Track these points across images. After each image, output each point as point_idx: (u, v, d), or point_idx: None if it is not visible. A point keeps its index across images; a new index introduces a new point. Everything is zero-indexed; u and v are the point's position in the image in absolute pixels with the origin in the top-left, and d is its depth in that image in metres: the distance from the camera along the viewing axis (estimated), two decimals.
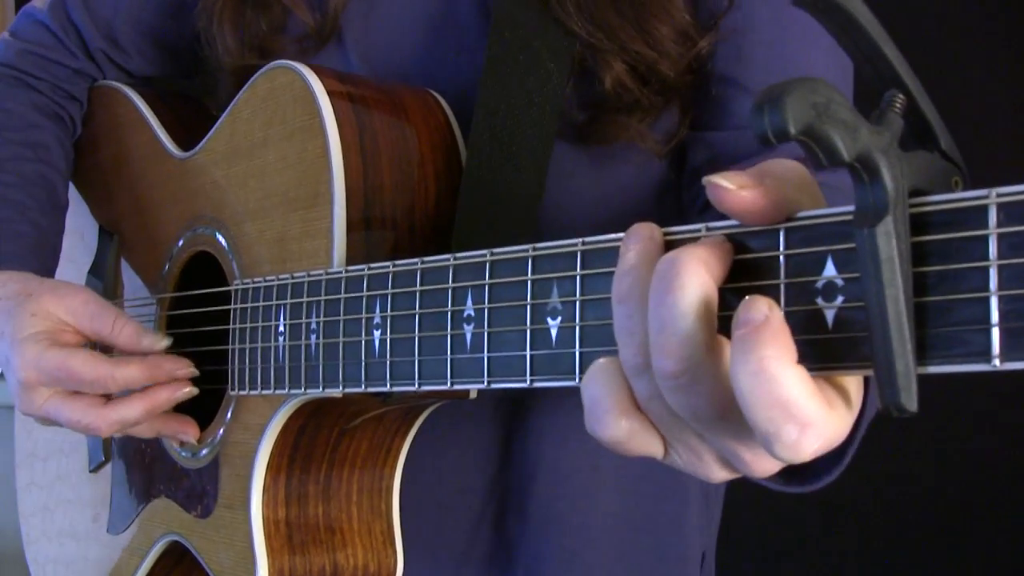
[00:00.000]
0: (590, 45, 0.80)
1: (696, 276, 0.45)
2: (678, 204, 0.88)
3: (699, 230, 0.49)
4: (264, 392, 0.80)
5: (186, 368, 0.86)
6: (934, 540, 1.61)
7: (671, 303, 0.45)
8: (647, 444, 0.50)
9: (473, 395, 0.82)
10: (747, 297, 0.44)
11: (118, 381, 0.83)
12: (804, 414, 0.42)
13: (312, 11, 0.92)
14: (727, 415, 0.46)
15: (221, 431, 0.88)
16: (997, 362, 0.40)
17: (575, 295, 0.55)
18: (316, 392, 0.74)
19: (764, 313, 0.43)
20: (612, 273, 0.50)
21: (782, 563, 1.72)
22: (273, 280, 0.80)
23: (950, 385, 0.47)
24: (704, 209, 0.83)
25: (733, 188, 0.45)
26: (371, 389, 0.69)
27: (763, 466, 0.48)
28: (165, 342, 0.87)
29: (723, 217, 0.48)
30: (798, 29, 0.81)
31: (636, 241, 0.49)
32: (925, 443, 1.51)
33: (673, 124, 0.85)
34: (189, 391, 0.86)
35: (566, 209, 0.85)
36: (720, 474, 0.51)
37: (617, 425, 0.49)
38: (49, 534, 1.16)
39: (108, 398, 0.85)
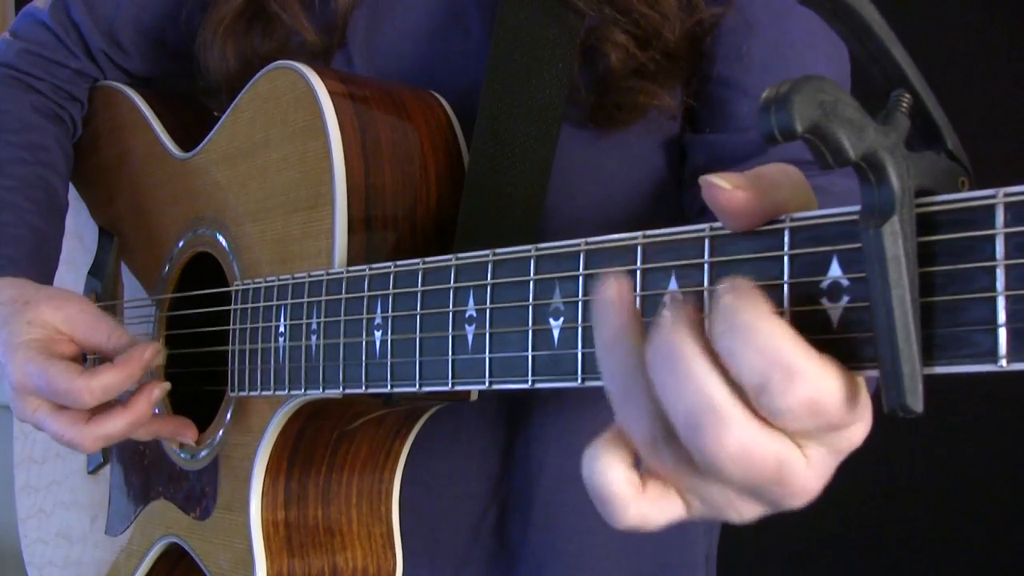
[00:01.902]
0: (593, 28, 0.80)
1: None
2: (678, 205, 0.88)
3: (703, 230, 0.49)
4: (264, 393, 0.80)
5: (153, 348, 0.83)
6: (935, 541, 1.61)
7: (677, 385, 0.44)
8: (666, 514, 0.48)
9: (474, 397, 0.81)
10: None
11: (94, 392, 0.81)
12: (788, 358, 0.41)
13: (315, 26, 0.90)
14: None
15: (220, 433, 0.87)
16: (1004, 363, 0.39)
17: (577, 295, 0.54)
18: (316, 393, 0.74)
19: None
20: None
21: (782, 564, 1.72)
22: (274, 281, 0.79)
23: (952, 385, 0.46)
24: (702, 211, 0.83)
25: (729, 188, 0.45)
26: (372, 390, 0.69)
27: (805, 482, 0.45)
28: (161, 352, 0.86)
29: None
30: (799, 33, 0.82)
31: (607, 310, 0.48)
32: (928, 445, 1.50)
33: (676, 101, 0.84)
34: (163, 389, 0.85)
35: (567, 210, 0.85)
36: (750, 509, 0.48)
37: (627, 515, 0.48)
38: (46, 537, 1.15)
39: (96, 410, 0.84)
